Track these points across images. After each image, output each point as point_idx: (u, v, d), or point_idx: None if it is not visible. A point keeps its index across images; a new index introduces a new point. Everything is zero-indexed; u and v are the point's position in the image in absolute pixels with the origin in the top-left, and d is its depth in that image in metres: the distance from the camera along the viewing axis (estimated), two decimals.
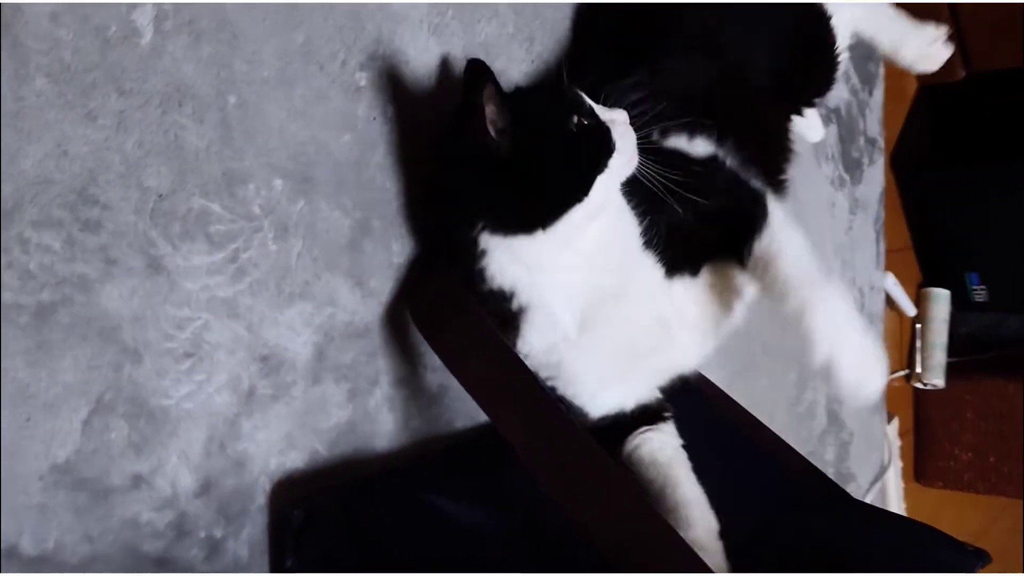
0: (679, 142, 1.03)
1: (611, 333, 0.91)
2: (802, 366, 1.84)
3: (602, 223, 0.90)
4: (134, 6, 0.80)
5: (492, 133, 0.84)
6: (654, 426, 1.02)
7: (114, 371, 0.78)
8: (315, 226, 0.93)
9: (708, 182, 0.96)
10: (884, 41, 1.34)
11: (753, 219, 0.93)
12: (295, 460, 0.92)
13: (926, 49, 1.31)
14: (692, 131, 1.03)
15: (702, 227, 0.93)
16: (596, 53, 1.17)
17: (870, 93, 2.08)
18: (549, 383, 0.96)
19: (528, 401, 0.85)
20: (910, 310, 2.35)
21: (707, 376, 1.38)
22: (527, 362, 0.91)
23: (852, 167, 2.01)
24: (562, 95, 0.90)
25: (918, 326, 2.43)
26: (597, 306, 0.90)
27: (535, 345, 0.92)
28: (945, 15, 2.36)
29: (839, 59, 1.27)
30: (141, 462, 0.80)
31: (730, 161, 1.04)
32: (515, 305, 0.91)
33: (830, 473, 1.88)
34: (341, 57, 0.97)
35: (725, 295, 0.98)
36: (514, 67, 1.17)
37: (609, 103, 0.95)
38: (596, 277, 0.90)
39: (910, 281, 2.52)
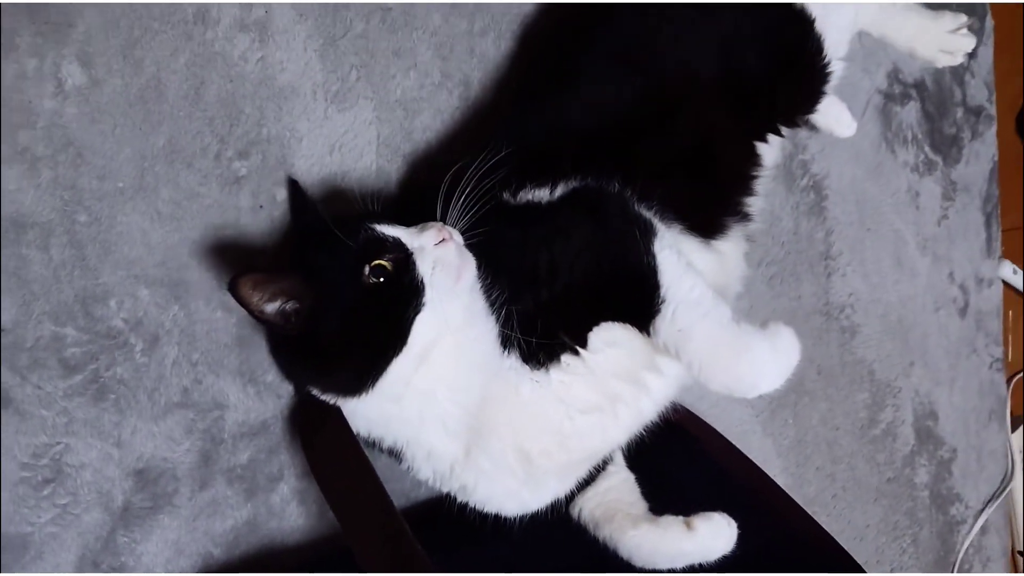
0: (538, 195, 0.92)
1: (499, 447, 0.84)
2: (877, 383, 1.64)
3: (449, 343, 0.82)
4: None
5: (270, 317, 0.80)
6: (591, 484, 0.96)
7: None
8: (192, 330, 0.92)
9: (565, 244, 0.85)
10: (897, 38, 1.15)
11: (637, 280, 0.83)
12: (186, 566, 0.93)
13: (946, 41, 1.14)
14: (555, 180, 0.92)
15: (572, 300, 0.83)
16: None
17: (971, 55, 1.76)
18: (471, 504, 0.90)
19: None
20: None
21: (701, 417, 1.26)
22: (435, 486, 0.89)
23: (945, 146, 1.73)
24: (348, 246, 0.81)
25: None
26: (477, 424, 0.84)
27: (428, 474, 0.88)
28: None
29: (828, 70, 1.07)
30: None
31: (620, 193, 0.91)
32: (385, 447, 0.87)
33: (923, 497, 1.73)
34: (214, 150, 0.93)
35: (636, 354, 0.86)
36: (441, 119, 1.08)
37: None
38: (463, 397, 0.83)
39: None
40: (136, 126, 0.89)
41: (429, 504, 1.06)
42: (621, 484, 0.98)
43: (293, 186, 0.95)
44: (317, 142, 0.99)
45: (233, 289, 0.78)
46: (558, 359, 0.83)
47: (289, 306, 0.80)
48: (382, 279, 0.80)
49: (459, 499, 0.89)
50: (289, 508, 0.98)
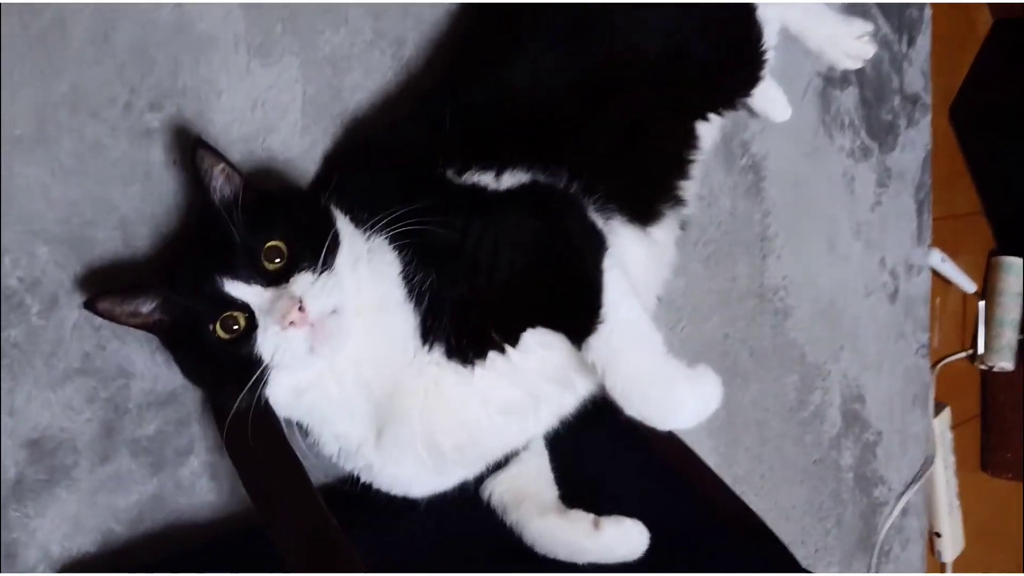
0: (483, 179, 0.89)
1: (408, 436, 0.81)
2: (807, 366, 1.66)
3: (354, 343, 0.79)
4: None
5: (140, 326, 0.81)
6: (503, 467, 0.94)
7: None
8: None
9: (512, 237, 0.83)
10: (810, 37, 1.21)
11: (582, 294, 0.81)
12: (84, 543, 0.88)
13: (851, 46, 1.22)
14: (502, 165, 0.89)
15: (508, 297, 0.81)
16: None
17: (910, 43, 1.79)
18: (373, 484, 0.87)
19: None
20: (968, 286, 2.07)
21: None
22: (339, 464, 0.86)
23: (881, 132, 1.75)
24: (201, 300, 0.77)
25: (981, 303, 2.14)
26: (389, 412, 0.81)
27: (333, 451, 0.86)
28: None
29: (765, 55, 1.09)
30: None
31: (572, 189, 0.90)
32: (293, 422, 0.84)
33: (847, 479, 1.75)
34: (123, 99, 0.88)
35: (567, 356, 0.84)
36: (373, 79, 1.04)
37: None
38: (369, 392, 0.81)
39: (980, 249, 2.22)
40: (36, 71, 0.83)
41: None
42: (534, 470, 0.97)
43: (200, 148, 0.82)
44: (238, 97, 0.94)
45: (90, 309, 0.77)
46: (484, 356, 0.81)
47: (156, 316, 0.79)
48: (235, 328, 0.76)
49: (363, 479, 0.86)
50: (199, 483, 0.94)
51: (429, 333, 0.80)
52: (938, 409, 2.05)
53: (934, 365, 2.04)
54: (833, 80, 1.63)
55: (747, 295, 1.53)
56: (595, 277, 0.82)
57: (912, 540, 1.94)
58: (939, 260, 1.95)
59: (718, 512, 1.09)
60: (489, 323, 0.81)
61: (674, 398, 0.80)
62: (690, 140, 1.04)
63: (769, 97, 1.31)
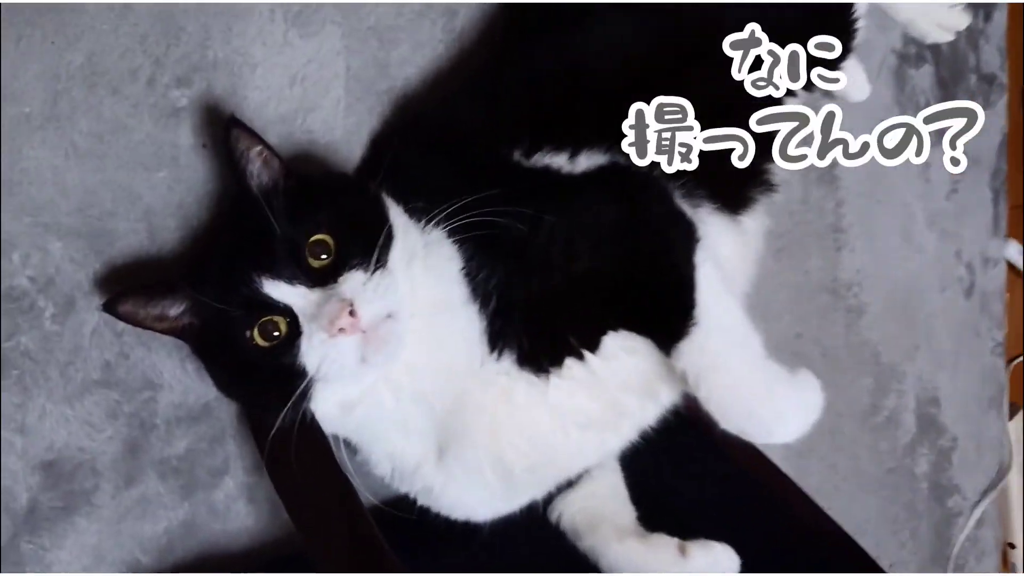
0: (556, 161, 0.82)
1: (474, 455, 0.75)
2: (881, 367, 1.56)
3: (411, 350, 0.72)
4: None
5: (166, 331, 0.74)
6: (572, 486, 0.86)
7: None
8: None
9: (590, 227, 0.76)
10: (901, 6, 1.16)
11: (671, 293, 0.74)
12: None
13: (944, 15, 1.19)
14: (576, 146, 0.82)
15: (587, 294, 0.74)
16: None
17: (986, 18, 1.70)
18: (432, 508, 0.81)
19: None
20: None
21: None
22: (393, 485, 0.80)
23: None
24: (237, 302, 0.69)
25: None
26: (452, 428, 0.75)
27: (386, 471, 0.79)
28: None
29: (856, 24, 1.02)
30: None
31: (655, 173, 0.82)
32: (340, 439, 0.76)
33: (922, 488, 1.66)
34: (146, 73, 0.81)
35: (653, 363, 0.76)
36: (422, 52, 0.96)
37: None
38: (432, 402, 0.74)
39: None
40: (48, 38, 0.76)
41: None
42: (607, 489, 0.90)
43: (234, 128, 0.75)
44: (274, 71, 0.87)
45: (111, 312, 0.71)
46: (560, 363, 0.74)
47: (185, 320, 0.73)
48: (276, 334, 0.69)
49: (420, 502, 0.80)
50: (235, 507, 0.88)
51: (498, 338, 0.74)
52: (1012, 412, 1.95)
53: (1007, 364, 1.94)
54: (908, 58, 1.53)
55: (820, 290, 1.44)
56: (686, 273, 0.75)
57: (987, 552, 1.84)
58: (1015, 252, 1.85)
59: (804, 527, 1.01)
60: (566, 326, 0.74)
61: (776, 410, 0.73)
62: None
63: (849, 73, 1.20)
